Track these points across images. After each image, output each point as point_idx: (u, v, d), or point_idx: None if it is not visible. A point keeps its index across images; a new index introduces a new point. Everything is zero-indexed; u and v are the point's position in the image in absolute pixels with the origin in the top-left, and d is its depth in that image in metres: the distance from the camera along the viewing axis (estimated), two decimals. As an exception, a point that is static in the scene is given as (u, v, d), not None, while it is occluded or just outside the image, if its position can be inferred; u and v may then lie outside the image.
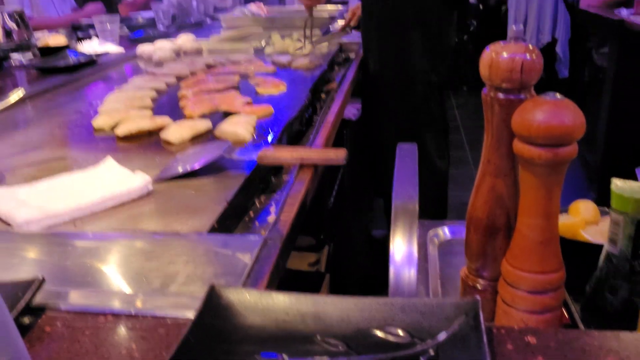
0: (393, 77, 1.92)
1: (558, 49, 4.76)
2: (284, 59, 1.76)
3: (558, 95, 0.55)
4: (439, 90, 1.96)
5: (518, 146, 0.56)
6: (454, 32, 2.01)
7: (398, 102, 1.95)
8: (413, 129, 1.96)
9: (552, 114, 0.53)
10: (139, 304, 0.57)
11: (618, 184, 0.65)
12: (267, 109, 1.23)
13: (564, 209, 0.81)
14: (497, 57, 0.59)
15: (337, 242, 1.94)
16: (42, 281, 0.57)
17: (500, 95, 0.60)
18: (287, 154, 0.93)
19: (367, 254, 2.40)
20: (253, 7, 2.71)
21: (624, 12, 2.73)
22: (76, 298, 0.59)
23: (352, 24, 2.31)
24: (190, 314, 0.55)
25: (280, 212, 0.79)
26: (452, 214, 2.15)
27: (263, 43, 2.07)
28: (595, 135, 3.03)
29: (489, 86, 0.61)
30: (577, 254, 0.73)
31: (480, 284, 0.67)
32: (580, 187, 3.13)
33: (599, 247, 0.68)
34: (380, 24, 1.92)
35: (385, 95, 1.97)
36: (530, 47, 0.59)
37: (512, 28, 0.60)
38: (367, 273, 2.27)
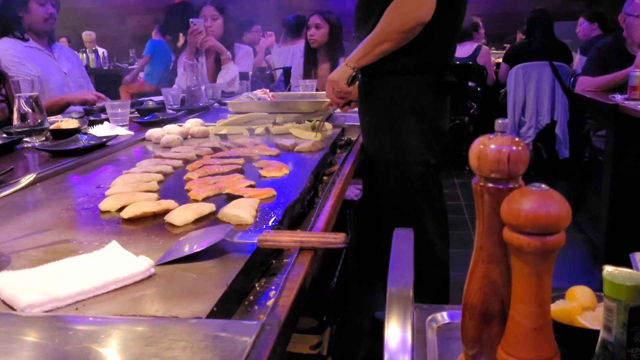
0: (390, 159, 1.97)
1: (557, 130, 4.87)
2: (287, 143, 1.82)
3: (544, 186, 0.58)
4: (435, 171, 2.00)
5: (507, 234, 0.58)
6: (447, 116, 2.06)
7: (396, 184, 1.98)
8: (412, 210, 1.98)
9: (539, 204, 0.56)
10: (136, 390, 0.58)
11: (609, 271, 0.66)
12: (269, 192, 1.26)
13: (561, 295, 0.82)
14: (485, 148, 0.62)
15: (339, 324, 1.92)
16: (42, 367, 0.57)
17: (490, 185, 0.63)
18: (287, 238, 0.95)
19: (371, 336, 2.36)
20: (259, 92, 2.81)
21: (618, 97, 2.82)
22: (74, 384, 0.59)
23: (325, 105, 2.37)
24: (187, 402, 0.56)
25: (279, 296, 0.80)
26: (455, 294, 2.14)
27: (270, 127, 2.14)
28: (599, 214, 3.05)
29: (478, 176, 0.64)
30: (574, 339, 0.73)
31: (477, 371, 0.67)
32: (586, 267, 3.12)
33: (596, 333, 0.69)
34: (376, 110, 1.98)
35: (383, 178, 2.01)
36: (516, 139, 0.62)
37: (498, 122, 0.63)
38: (370, 356, 2.22)
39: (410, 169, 1.95)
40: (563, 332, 0.72)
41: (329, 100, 2.13)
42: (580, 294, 0.81)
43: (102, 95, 2.84)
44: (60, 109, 2.79)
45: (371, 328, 2.40)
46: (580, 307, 0.79)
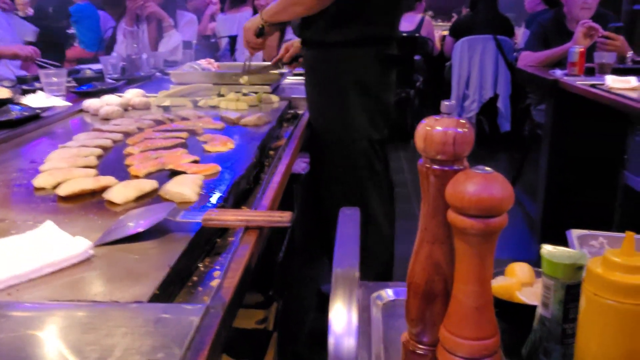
0: (334, 134, 1.95)
1: (499, 104, 4.98)
2: (232, 116, 1.78)
3: (487, 169, 0.58)
4: (380, 146, 2.00)
5: (452, 216, 0.59)
6: (392, 90, 2.05)
7: (341, 158, 1.97)
8: (357, 186, 1.98)
9: (483, 186, 0.56)
10: (73, 380, 0.56)
11: (548, 249, 0.68)
12: (214, 168, 1.24)
13: (500, 271, 0.84)
14: (431, 130, 0.62)
15: (286, 299, 1.93)
16: (-30, 359, 0.54)
17: (435, 167, 0.63)
18: (232, 217, 0.93)
19: (316, 310, 2.38)
20: (203, 62, 2.74)
21: (557, 73, 2.89)
22: (7, 375, 0.57)
23: (285, 59, 2.36)
24: (127, 391, 0.54)
25: (224, 278, 0.79)
26: (399, 269, 2.18)
27: (214, 99, 2.09)
28: (537, 187, 3.15)
29: (424, 158, 0.64)
30: (513, 315, 0.75)
31: (420, 349, 0.68)
32: (524, 239, 3.23)
33: (534, 308, 0.71)
34: (320, 82, 1.97)
35: (328, 152, 2.00)
36: (462, 121, 0.62)
37: (444, 104, 0.63)
38: (316, 329, 2.25)
39: (354, 144, 1.94)
40: (502, 308, 0.74)
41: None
42: (519, 270, 0.84)
43: (37, 50, 2.70)
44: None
45: (317, 302, 2.43)
46: (519, 283, 0.81)
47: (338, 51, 1.91)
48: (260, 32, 1.95)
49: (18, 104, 1.94)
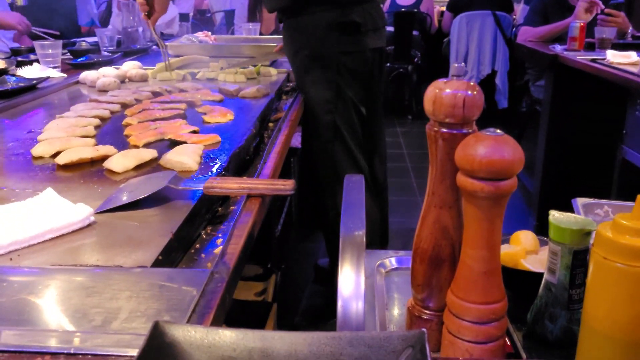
0: (311, 109, 1.90)
1: (497, 80, 4.96)
2: (231, 88, 1.76)
3: (498, 131, 0.57)
4: (361, 120, 1.94)
5: (461, 179, 0.58)
6: (362, 57, 1.90)
7: (315, 135, 1.92)
8: (332, 162, 1.92)
9: (493, 149, 0.55)
10: (78, 342, 0.55)
11: (555, 215, 0.67)
12: (214, 138, 1.22)
13: (505, 239, 0.83)
14: (441, 93, 0.61)
15: (284, 271, 1.93)
16: (-26, 321, 0.54)
17: (444, 130, 0.62)
18: (234, 185, 0.92)
19: (313, 283, 2.39)
20: (200, 35, 2.70)
21: (557, 48, 2.87)
22: (11, 337, 0.56)
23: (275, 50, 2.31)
24: (133, 352, 0.54)
25: (227, 244, 0.78)
26: (396, 240, 2.18)
27: (211, 71, 2.06)
28: (534, 163, 3.15)
29: (432, 121, 0.63)
30: (518, 282, 0.75)
31: (426, 314, 0.68)
32: (521, 213, 3.24)
33: (539, 276, 0.71)
34: (290, 57, 1.93)
35: (307, 127, 1.96)
36: (472, 83, 0.61)
37: (454, 65, 0.62)
38: (313, 302, 2.26)
39: (318, 118, 1.89)
40: (508, 275, 0.73)
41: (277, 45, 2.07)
42: (524, 238, 0.83)
43: (28, 22, 2.65)
44: None
45: (314, 275, 2.43)
46: (524, 250, 0.81)
47: (298, 19, 1.84)
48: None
49: (14, 75, 1.92)
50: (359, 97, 1.92)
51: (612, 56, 2.42)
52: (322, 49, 1.84)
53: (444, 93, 0.60)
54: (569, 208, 0.96)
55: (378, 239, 2.09)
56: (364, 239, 0.61)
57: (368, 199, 1.99)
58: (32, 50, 2.40)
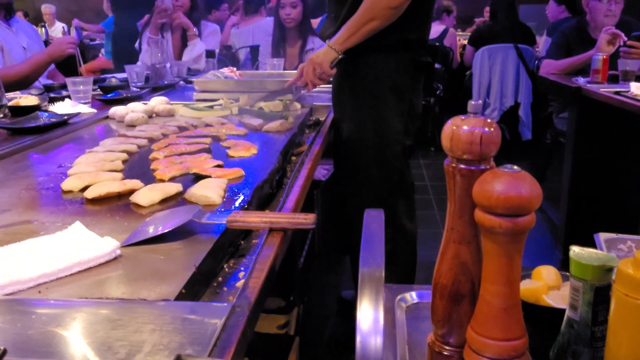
0: (369, 138, 1.95)
1: (521, 112, 4.94)
2: (255, 122, 1.79)
3: (515, 167, 0.58)
4: (410, 152, 2.01)
5: (479, 215, 0.59)
6: (422, 95, 2.07)
7: (374, 163, 1.97)
8: (388, 190, 1.98)
9: (510, 185, 0.56)
10: (103, 375, 0.56)
11: (576, 251, 0.67)
12: (237, 172, 1.25)
13: (527, 274, 0.83)
14: (458, 130, 0.62)
15: (306, 304, 1.93)
16: (4, 352, 0.55)
17: (462, 166, 0.62)
18: (256, 219, 0.94)
19: (337, 316, 2.38)
20: (226, 70, 2.76)
21: (580, 80, 2.87)
22: (38, 369, 0.58)
23: (299, 83, 2.32)
24: (156, 386, 0.55)
25: (249, 278, 0.80)
26: (419, 273, 2.17)
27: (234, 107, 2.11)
28: (559, 196, 3.12)
29: (450, 157, 0.64)
30: (540, 318, 0.75)
31: (446, 350, 0.68)
32: (547, 247, 3.19)
33: (562, 312, 0.70)
34: (355, 88, 1.97)
35: (359, 157, 2.00)
36: (489, 120, 0.62)
37: (471, 103, 0.63)
38: (337, 335, 2.24)
39: (388, 149, 1.95)
40: (529, 311, 0.73)
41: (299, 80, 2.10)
42: (546, 273, 0.83)
43: (75, 39, 2.74)
44: (43, 66, 2.68)
45: (337, 307, 2.42)
46: (546, 286, 0.80)
47: (375, 56, 1.91)
48: (336, 63, 1.93)
49: (46, 111, 1.98)
50: (414, 132, 2.05)
51: (636, 88, 2.41)
52: (401, 82, 1.94)
53: (461, 130, 0.61)
54: (595, 242, 0.96)
55: (406, 273, 2.09)
56: (383, 274, 0.61)
57: (404, 234, 2.03)
58: (64, 86, 2.48)
